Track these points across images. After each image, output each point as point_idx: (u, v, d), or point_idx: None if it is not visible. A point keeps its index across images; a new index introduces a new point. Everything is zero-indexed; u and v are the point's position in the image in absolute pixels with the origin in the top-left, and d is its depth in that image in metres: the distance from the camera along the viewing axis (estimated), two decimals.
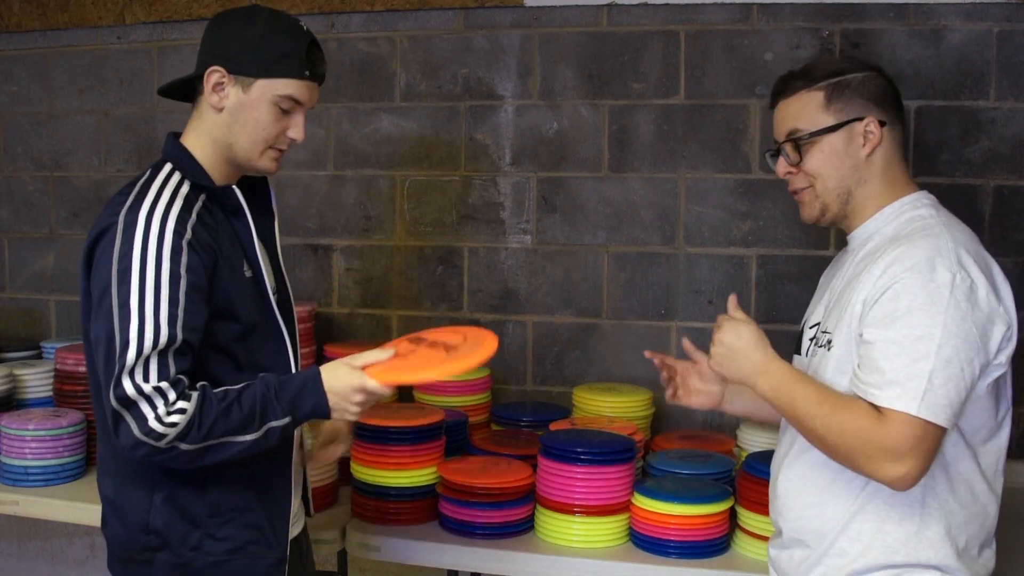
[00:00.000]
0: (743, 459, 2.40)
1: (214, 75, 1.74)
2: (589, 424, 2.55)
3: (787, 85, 1.79)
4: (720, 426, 2.90)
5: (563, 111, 2.98)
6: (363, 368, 1.71)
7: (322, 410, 1.70)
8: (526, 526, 2.35)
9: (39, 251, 3.46)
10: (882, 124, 1.73)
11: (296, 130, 1.79)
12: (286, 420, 1.67)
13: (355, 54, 3.13)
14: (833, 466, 1.65)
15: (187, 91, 1.82)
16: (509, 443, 2.56)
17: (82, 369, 2.65)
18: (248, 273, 1.78)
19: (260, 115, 1.75)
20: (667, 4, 2.87)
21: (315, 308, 3.05)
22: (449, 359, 1.75)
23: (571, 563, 2.23)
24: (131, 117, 3.32)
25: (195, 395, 1.63)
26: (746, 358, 1.72)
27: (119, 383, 1.59)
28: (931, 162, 2.74)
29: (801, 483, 1.74)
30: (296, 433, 1.87)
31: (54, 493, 2.56)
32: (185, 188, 1.72)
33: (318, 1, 3.10)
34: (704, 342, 2.95)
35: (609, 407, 2.69)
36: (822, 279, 1.97)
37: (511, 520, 2.32)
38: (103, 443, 1.82)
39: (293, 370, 1.85)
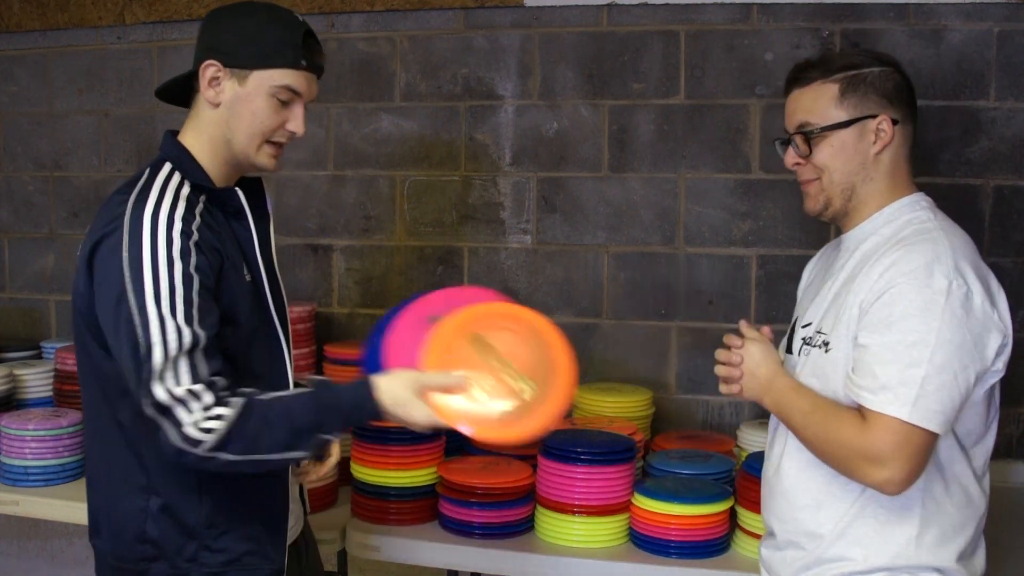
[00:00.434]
0: (743, 459, 2.40)
1: (210, 69, 1.71)
2: (589, 424, 2.55)
3: (803, 74, 1.76)
4: (720, 426, 2.90)
5: (563, 111, 2.98)
6: (428, 391, 1.66)
7: (377, 420, 1.67)
8: (526, 526, 2.35)
9: (39, 251, 3.46)
10: (894, 123, 1.71)
11: (295, 123, 1.75)
12: (337, 435, 1.66)
13: (355, 54, 3.13)
14: (829, 468, 1.66)
15: (184, 95, 1.79)
16: None
17: None
18: (247, 277, 1.75)
19: (257, 108, 1.71)
20: (667, 4, 2.87)
21: (315, 308, 3.05)
22: (523, 415, 1.67)
23: (571, 563, 2.23)
24: (131, 117, 3.32)
25: (238, 403, 1.58)
26: (752, 375, 1.74)
27: (150, 389, 1.56)
28: (931, 162, 2.74)
29: (796, 485, 1.73)
30: None
31: (54, 493, 2.56)
32: (186, 189, 1.69)
33: (318, 1, 3.10)
34: (704, 342, 2.97)
35: (609, 407, 2.69)
36: (809, 275, 1.96)
37: (511, 520, 2.33)
38: (93, 448, 1.79)
39: (288, 375, 1.82)
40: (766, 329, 1.82)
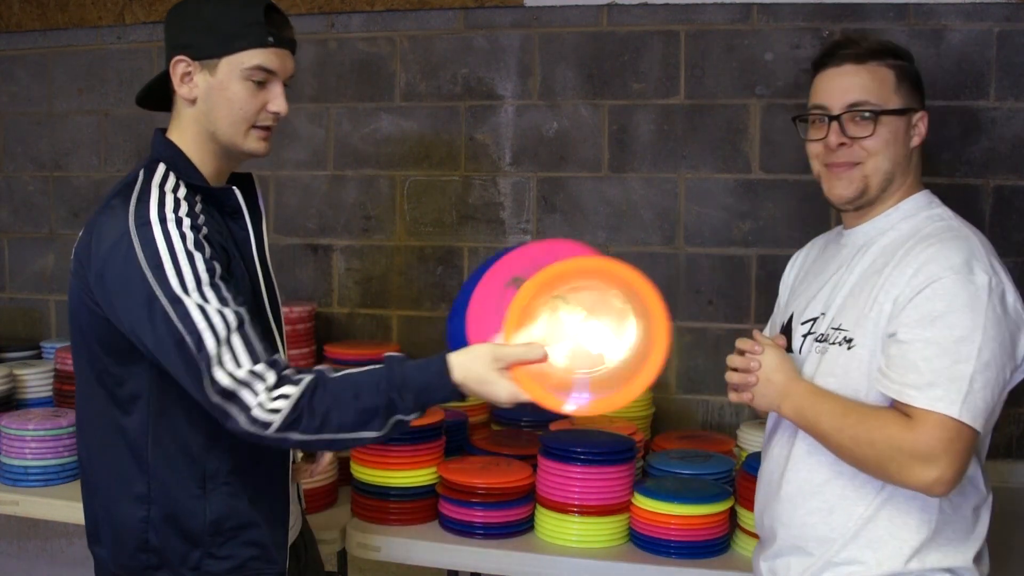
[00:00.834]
0: (743, 459, 2.40)
1: (179, 65, 1.68)
2: (589, 424, 2.55)
3: (860, 49, 1.68)
4: (720, 426, 2.90)
5: (563, 111, 2.98)
6: (510, 367, 1.58)
7: (456, 399, 1.61)
8: (526, 526, 2.35)
9: (39, 251, 3.46)
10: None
11: (276, 102, 1.70)
12: (414, 415, 1.58)
13: (355, 54, 3.13)
14: (844, 471, 1.62)
15: (166, 99, 1.76)
16: (509, 443, 2.56)
17: None
18: (246, 276, 1.74)
19: (233, 94, 1.67)
20: (667, 4, 2.87)
21: (315, 308, 3.05)
22: (612, 381, 1.58)
23: (571, 563, 2.23)
24: (131, 117, 3.32)
25: (305, 380, 1.55)
26: (768, 381, 1.67)
27: (213, 377, 1.52)
28: (931, 162, 2.73)
29: (806, 488, 1.68)
30: None
31: (54, 493, 2.56)
32: (182, 190, 1.66)
33: (318, 1, 3.10)
34: (704, 342, 2.97)
35: None
36: (798, 269, 1.92)
37: (511, 520, 2.32)
38: (91, 455, 1.76)
39: None
40: (780, 338, 1.77)
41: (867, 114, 1.65)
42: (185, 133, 1.72)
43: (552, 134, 2.99)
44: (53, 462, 2.59)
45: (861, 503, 1.62)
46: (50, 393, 2.91)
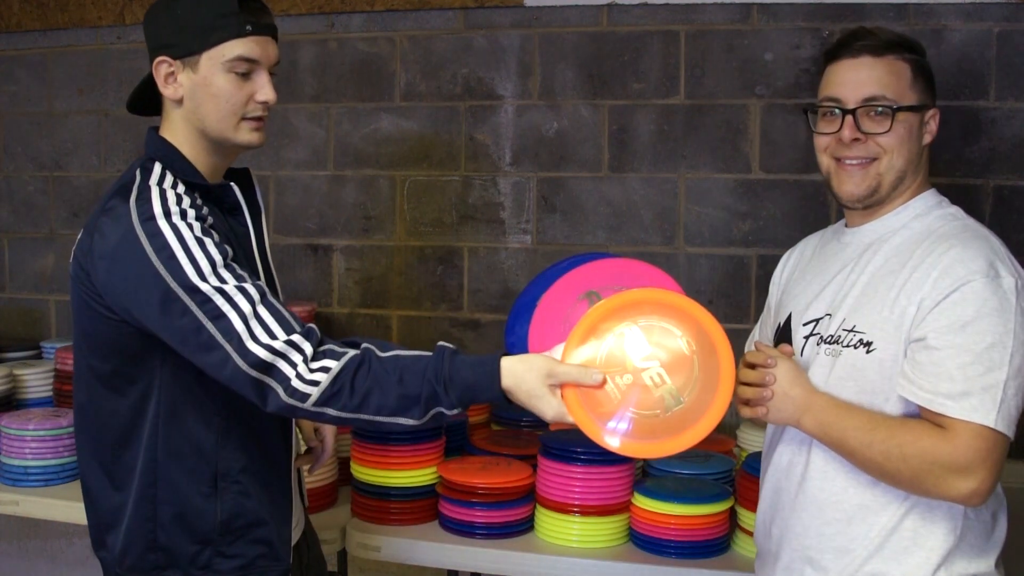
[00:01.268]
0: (743, 459, 2.40)
1: (162, 66, 1.66)
2: None
3: (877, 41, 1.62)
4: (720, 426, 2.87)
5: (563, 111, 2.98)
6: (562, 386, 1.53)
7: (501, 403, 1.56)
8: (526, 526, 2.35)
9: (39, 251, 3.46)
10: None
11: (263, 91, 1.67)
12: (456, 411, 1.54)
13: (355, 54, 3.13)
14: (862, 479, 1.57)
15: (155, 102, 1.74)
16: (509, 443, 2.56)
17: None
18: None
19: (218, 88, 1.65)
20: (667, 4, 2.87)
21: (315, 308, 3.06)
22: (658, 428, 1.52)
23: (571, 563, 2.23)
24: (131, 117, 3.22)
25: (349, 355, 1.52)
26: (786, 395, 1.59)
27: (248, 351, 1.49)
28: (931, 162, 2.72)
29: (825, 498, 1.62)
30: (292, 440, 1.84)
31: (54, 493, 2.56)
32: (181, 187, 1.65)
33: (318, 1, 3.10)
34: None
35: None
36: (791, 268, 1.88)
37: (511, 520, 2.32)
38: (92, 457, 1.74)
39: None
40: (787, 347, 1.68)
41: (882, 109, 1.61)
42: (177, 132, 1.71)
43: (552, 134, 2.99)
44: (53, 462, 2.59)
45: (884, 513, 1.57)
46: (50, 393, 2.91)
